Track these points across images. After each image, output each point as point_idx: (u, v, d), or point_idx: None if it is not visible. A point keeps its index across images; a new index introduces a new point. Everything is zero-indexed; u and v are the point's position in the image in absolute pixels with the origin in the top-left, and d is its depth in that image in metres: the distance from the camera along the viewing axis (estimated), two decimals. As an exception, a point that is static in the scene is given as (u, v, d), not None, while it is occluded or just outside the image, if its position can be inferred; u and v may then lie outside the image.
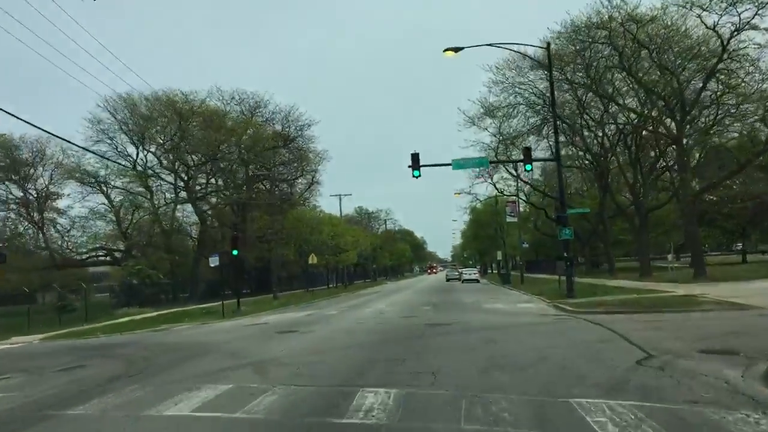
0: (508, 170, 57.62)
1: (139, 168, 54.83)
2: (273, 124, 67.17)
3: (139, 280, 45.03)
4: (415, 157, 29.76)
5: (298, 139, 68.06)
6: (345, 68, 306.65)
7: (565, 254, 30.12)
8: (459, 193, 65.87)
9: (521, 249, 53.75)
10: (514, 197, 54.96)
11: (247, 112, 65.30)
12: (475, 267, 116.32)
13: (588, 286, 36.65)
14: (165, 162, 55.44)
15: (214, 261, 33.08)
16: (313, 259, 53.09)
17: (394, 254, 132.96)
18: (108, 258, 55.23)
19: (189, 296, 53.22)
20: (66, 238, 53.35)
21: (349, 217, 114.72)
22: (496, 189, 63.61)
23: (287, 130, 67.51)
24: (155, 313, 37.05)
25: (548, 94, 46.62)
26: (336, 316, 28.38)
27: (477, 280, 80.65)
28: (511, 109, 48.52)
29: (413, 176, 29.88)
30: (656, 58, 40.54)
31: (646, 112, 45.64)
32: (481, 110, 48.07)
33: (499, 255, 76.27)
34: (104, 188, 51.60)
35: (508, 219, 53.46)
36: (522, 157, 35.28)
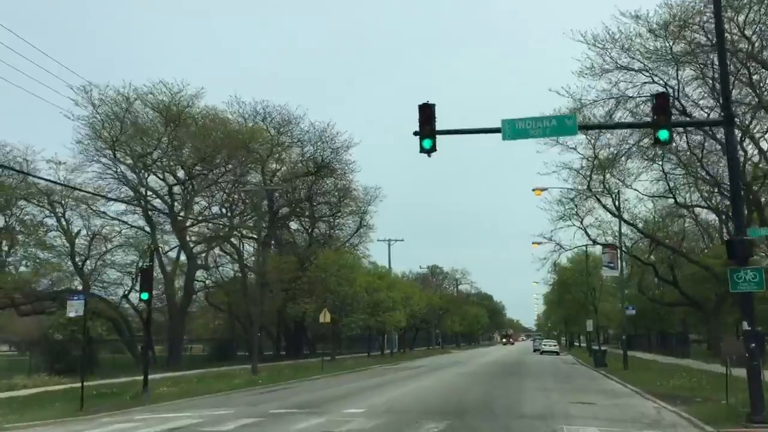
0: (605, 207, 41.77)
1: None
2: (303, 145, 54.03)
3: (66, 336, 31.75)
4: (426, 112, 15.13)
5: (333, 163, 54.55)
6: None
7: (747, 325, 13.99)
8: (538, 243, 50.36)
9: (624, 317, 36.90)
10: (614, 244, 38.86)
11: (273, 129, 52.54)
12: (554, 339, 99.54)
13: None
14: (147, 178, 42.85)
15: (73, 307, 18.91)
16: (325, 317, 38.55)
17: (466, 319, 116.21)
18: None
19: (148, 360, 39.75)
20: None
21: (416, 276, 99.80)
22: (587, 235, 47.65)
23: (321, 153, 54.23)
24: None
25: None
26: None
27: (557, 353, 74.25)
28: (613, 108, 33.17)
29: (422, 149, 15.25)
30: None
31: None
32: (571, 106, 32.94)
33: (590, 325, 59.20)
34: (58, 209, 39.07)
35: (605, 272, 37.10)
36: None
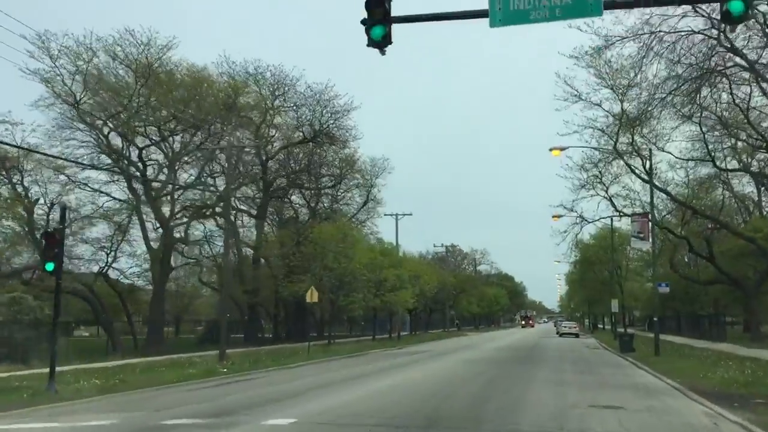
0: (634, 171, 36.60)
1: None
2: (297, 109, 49.33)
3: (8, 317, 27.55)
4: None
5: (332, 129, 49.84)
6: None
7: None
8: (558, 216, 45.42)
9: (655, 296, 31.36)
10: (645, 212, 33.54)
11: (267, 91, 47.91)
12: (573, 321, 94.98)
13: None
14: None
15: None
16: (312, 297, 33.93)
17: (483, 300, 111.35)
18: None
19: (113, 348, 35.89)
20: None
21: (434, 255, 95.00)
22: (613, 206, 42.55)
23: (319, 118, 49.49)
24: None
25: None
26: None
27: (576, 335, 70.91)
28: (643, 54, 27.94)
29: (371, 41, 10.61)
30: None
31: None
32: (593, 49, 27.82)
33: (614, 305, 54.14)
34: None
35: (634, 243, 31.79)
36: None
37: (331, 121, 49.56)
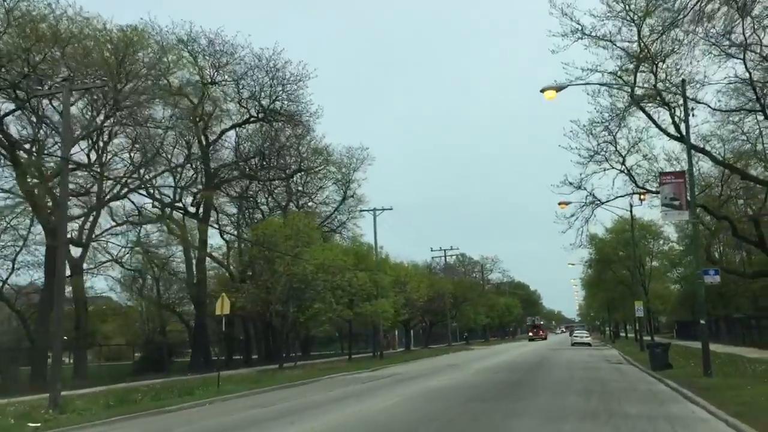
0: (659, 125, 27.52)
1: None
2: (239, 81, 40.79)
3: None
4: None
5: (287, 105, 41.30)
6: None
7: None
8: (565, 204, 36.48)
9: (700, 291, 21.30)
10: (680, 172, 24.00)
11: (204, 60, 39.54)
12: (584, 329, 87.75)
13: None
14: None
15: None
16: (222, 308, 24.88)
17: (494, 309, 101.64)
18: None
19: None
20: None
21: (440, 266, 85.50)
22: (633, 180, 33.46)
23: (270, 91, 40.94)
24: None
25: None
26: None
27: (589, 344, 67.30)
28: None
29: None
30: None
31: None
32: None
33: (639, 309, 44.66)
34: None
35: (666, 216, 21.48)
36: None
37: (284, 96, 40.95)
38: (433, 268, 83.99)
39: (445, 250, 78.00)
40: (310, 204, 53.36)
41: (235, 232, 43.71)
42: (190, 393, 22.28)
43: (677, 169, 28.37)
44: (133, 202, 38.76)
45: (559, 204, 36.92)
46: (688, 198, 21.36)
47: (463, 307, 78.19)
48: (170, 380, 29.33)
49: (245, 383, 26.03)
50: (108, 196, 33.75)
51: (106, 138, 33.38)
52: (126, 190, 34.10)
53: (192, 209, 42.22)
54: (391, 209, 50.23)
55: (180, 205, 41.98)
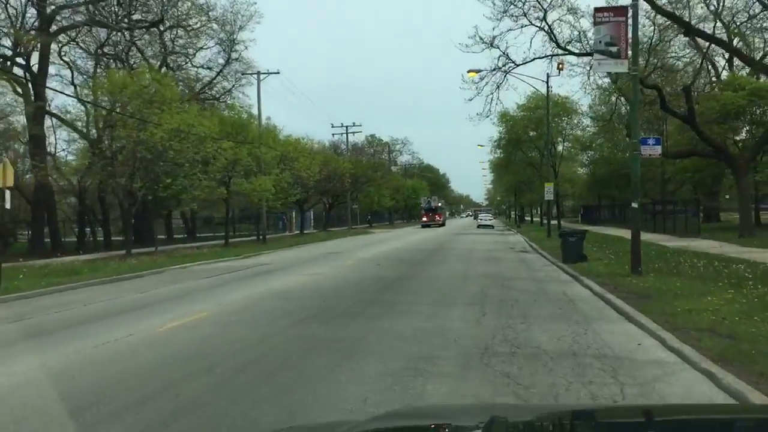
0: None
1: None
2: None
3: None
4: None
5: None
6: None
7: None
8: (476, 71, 31.28)
9: (635, 167, 16.56)
10: (622, 7, 18.52)
11: None
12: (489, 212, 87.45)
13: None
14: None
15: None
16: (4, 179, 18.29)
17: (399, 192, 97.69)
18: None
19: None
20: None
21: (351, 145, 79.45)
22: (554, 39, 28.30)
23: None
24: None
25: None
26: None
27: (492, 226, 69.34)
28: None
29: None
30: None
31: None
32: None
33: (549, 192, 40.60)
34: None
35: (601, 66, 16.24)
36: None
37: None
38: (340, 149, 78.39)
39: (347, 126, 71.85)
40: (188, 65, 45.76)
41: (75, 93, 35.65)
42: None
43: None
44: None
45: (468, 72, 31.86)
46: (630, 43, 15.97)
47: (364, 188, 73.28)
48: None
49: (53, 276, 20.03)
50: None
51: None
52: None
53: (21, 61, 33.93)
54: (277, 73, 43.33)
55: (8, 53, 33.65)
